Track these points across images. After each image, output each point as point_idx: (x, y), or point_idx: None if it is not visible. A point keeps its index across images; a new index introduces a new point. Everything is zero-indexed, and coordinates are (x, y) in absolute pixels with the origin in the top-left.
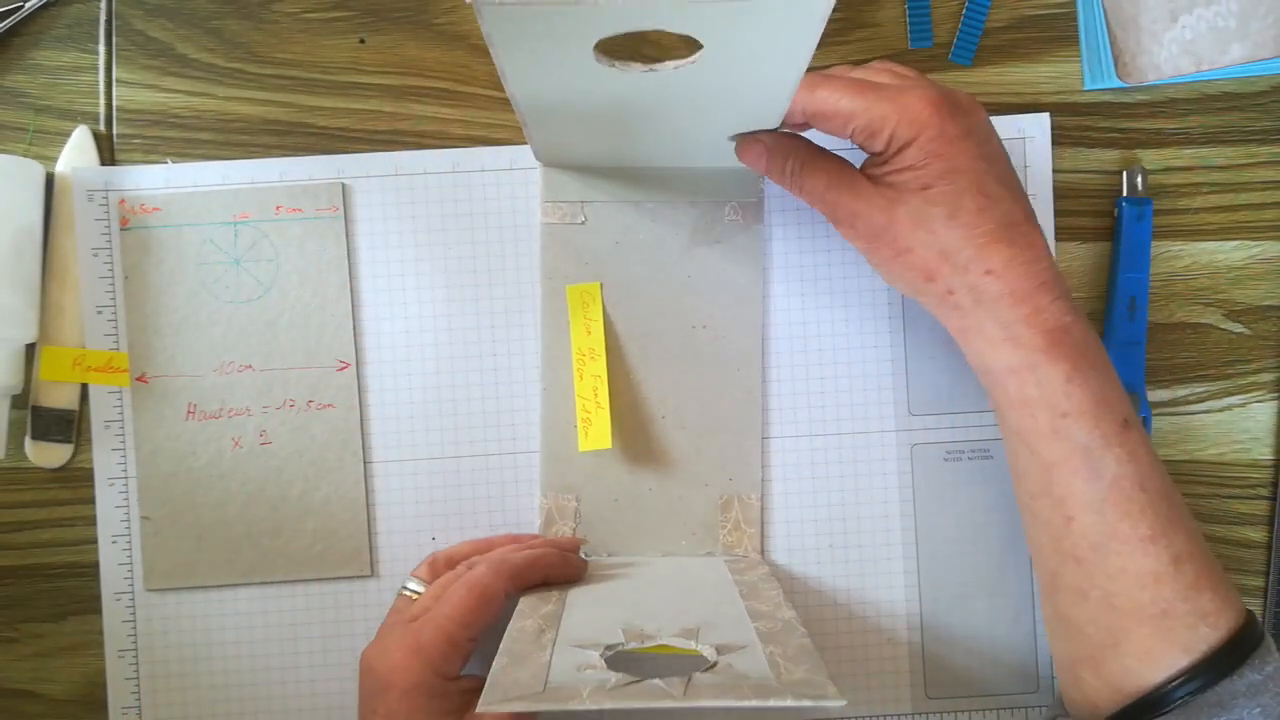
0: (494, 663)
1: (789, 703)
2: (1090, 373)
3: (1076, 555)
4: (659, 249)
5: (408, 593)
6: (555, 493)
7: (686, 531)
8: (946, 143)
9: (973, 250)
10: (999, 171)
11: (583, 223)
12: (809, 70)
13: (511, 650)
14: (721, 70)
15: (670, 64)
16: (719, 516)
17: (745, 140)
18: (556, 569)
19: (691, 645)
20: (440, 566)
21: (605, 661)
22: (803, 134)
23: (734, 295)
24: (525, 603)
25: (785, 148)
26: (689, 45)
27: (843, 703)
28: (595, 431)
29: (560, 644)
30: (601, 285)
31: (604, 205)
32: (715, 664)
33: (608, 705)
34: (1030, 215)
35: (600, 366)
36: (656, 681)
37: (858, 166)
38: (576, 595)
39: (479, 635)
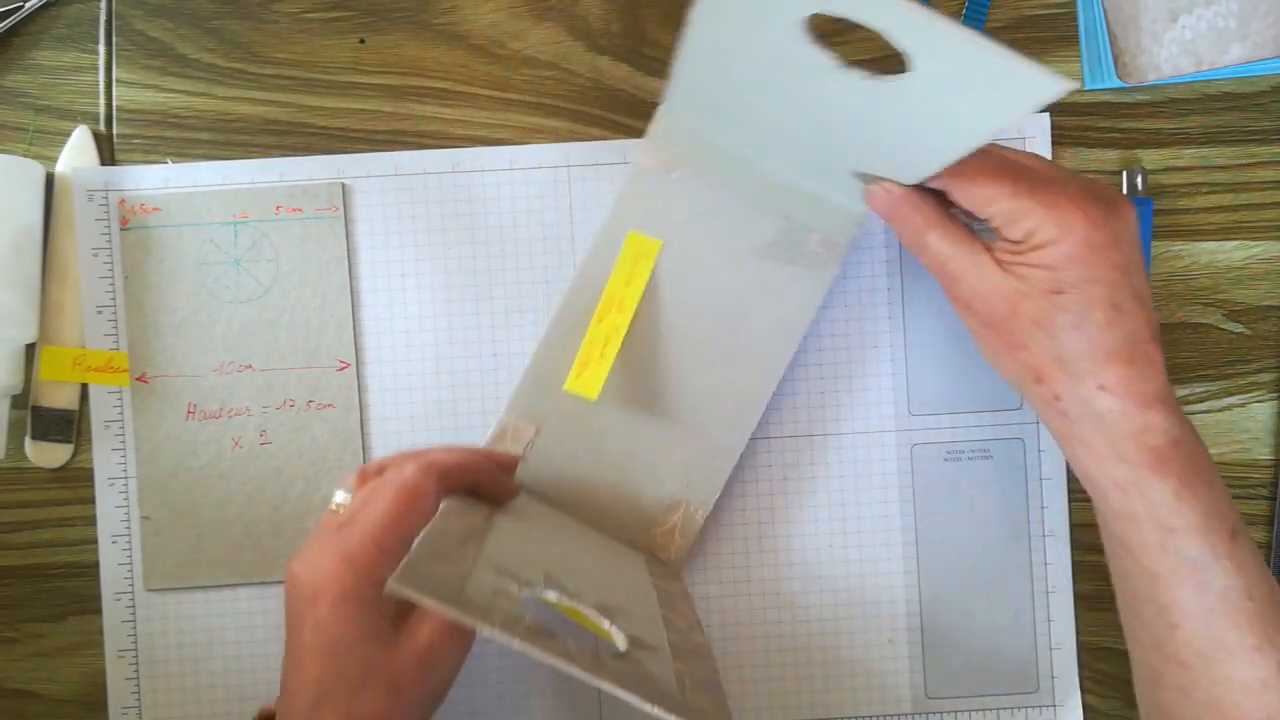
0: (414, 547)
1: None
2: (1199, 486)
3: (1180, 659)
4: (733, 241)
5: (334, 507)
6: (519, 416)
7: (624, 512)
8: (1090, 250)
9: (1090, 363)
10: (1135, 283)
11: (675, 179)
12: None
13: (433, 546)
14: (908, 104)
15: (866, 72)
16: (661, 515)
17: (876, 186)
18: (487, 481)
19: (606, 625)
20: (370, 475)
21: (521, 598)
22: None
23: (779, 321)
24: (451, 506)
25: (915, 203)
26: (891, 65)
27: None
28: (588, 377)
29: (482, 560)
30: (663, 246)
31: (702, 173)
32: (626, 654)
33: (515, 645)
34: (1155, 332)
35: (623, 320)
36: (569, 644)
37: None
38: (503, 521)
39: (410, 539)
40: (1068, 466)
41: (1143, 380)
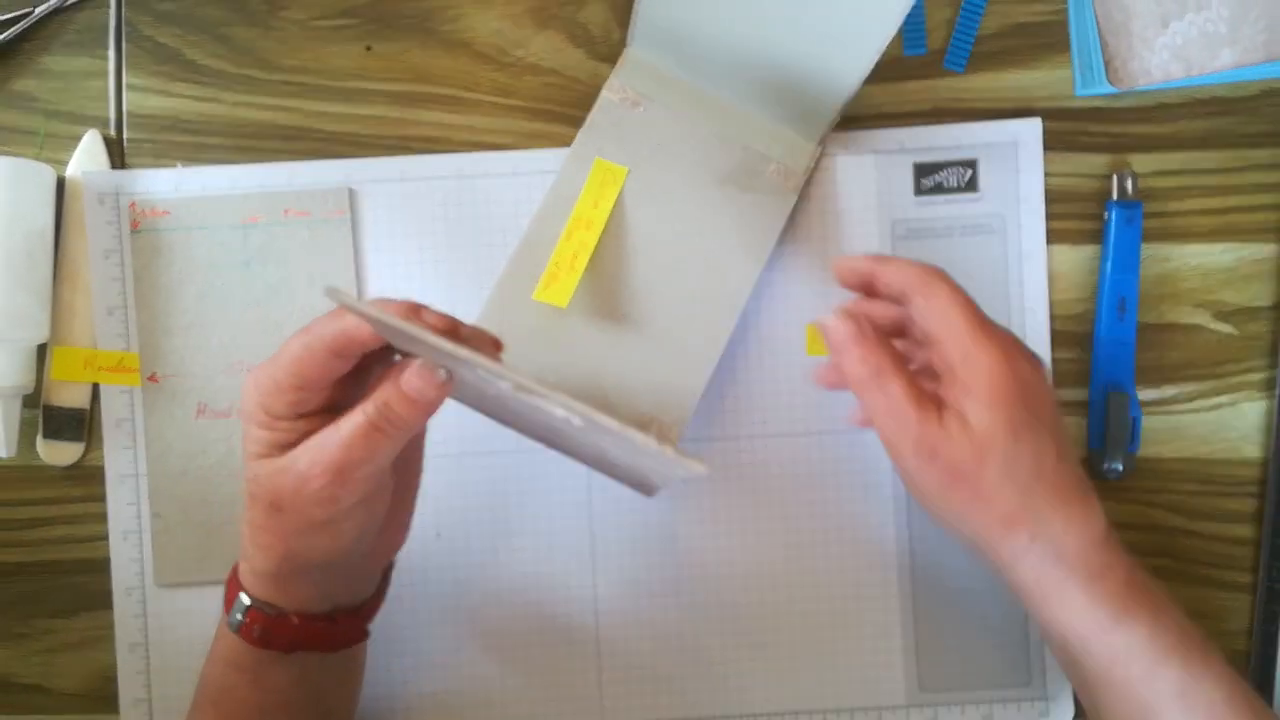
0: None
1: (651, 445)
2: (1167, 611)
3: None
4: (695, 169)
5: None
6: (490, 327)
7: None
8: (1035, 394)
9: (1050, 507)
10: (1063, 426)
11: (641, 111)
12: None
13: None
14: None
15: None
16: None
17: (832, 320)
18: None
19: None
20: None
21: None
22: None
23: (742, 245)
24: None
25: (875, 344)
26: None
27: (704, 471)
28: (558, 287)
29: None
30: (628, 173)
31: (666, 107)
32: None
33: (446, 347)
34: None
35: (591, 237)
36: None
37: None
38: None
39: (312, 384)
40: None
41: (1096, 517)
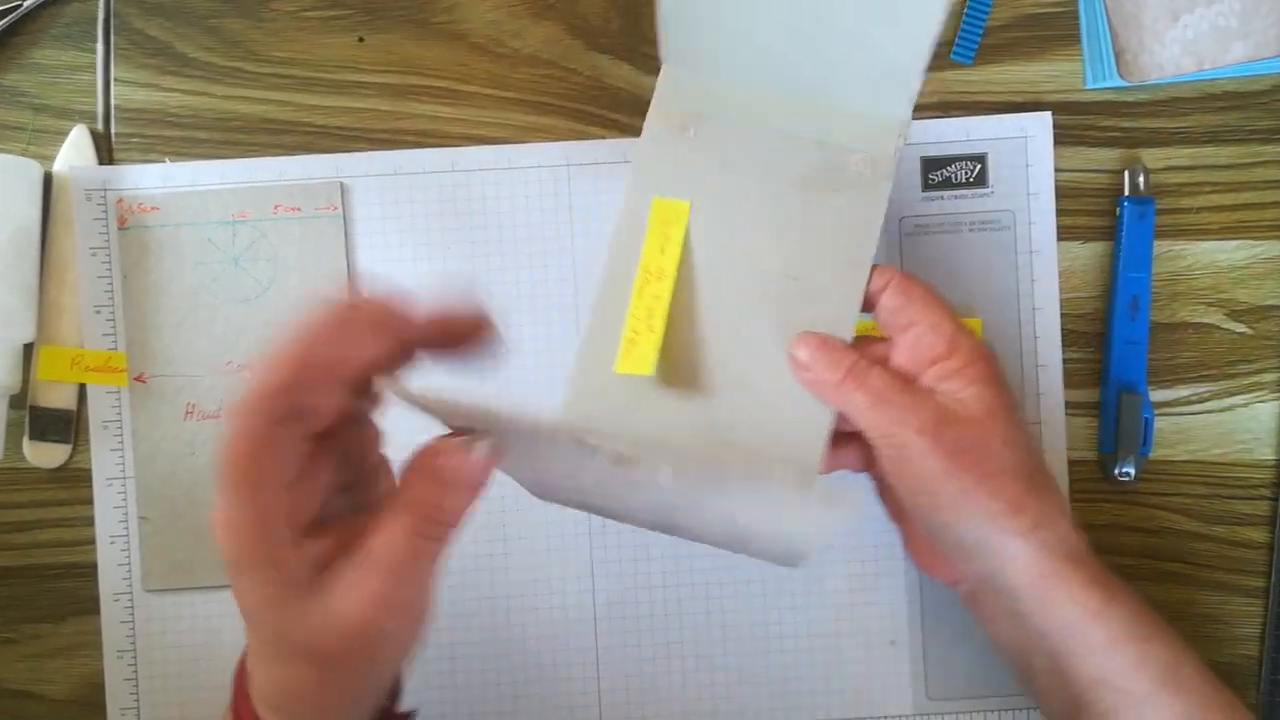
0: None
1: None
2: (1133, 594)
3: None
4: (766, 180)
5: None
6: (577, 418)
7: None
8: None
9: (1045, 488)
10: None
11: (691, 136)
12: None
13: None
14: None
15: None
16: None
17: (798, 341)
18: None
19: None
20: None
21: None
22: None
23: (841, 252)
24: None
25: (842, 346)
26: None
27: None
28: (638, 354)
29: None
30: (691, 207)
31: (719, 122)
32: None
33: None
34: None
35: (664, 289)
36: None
37: None
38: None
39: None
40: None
41: (1067, 504)
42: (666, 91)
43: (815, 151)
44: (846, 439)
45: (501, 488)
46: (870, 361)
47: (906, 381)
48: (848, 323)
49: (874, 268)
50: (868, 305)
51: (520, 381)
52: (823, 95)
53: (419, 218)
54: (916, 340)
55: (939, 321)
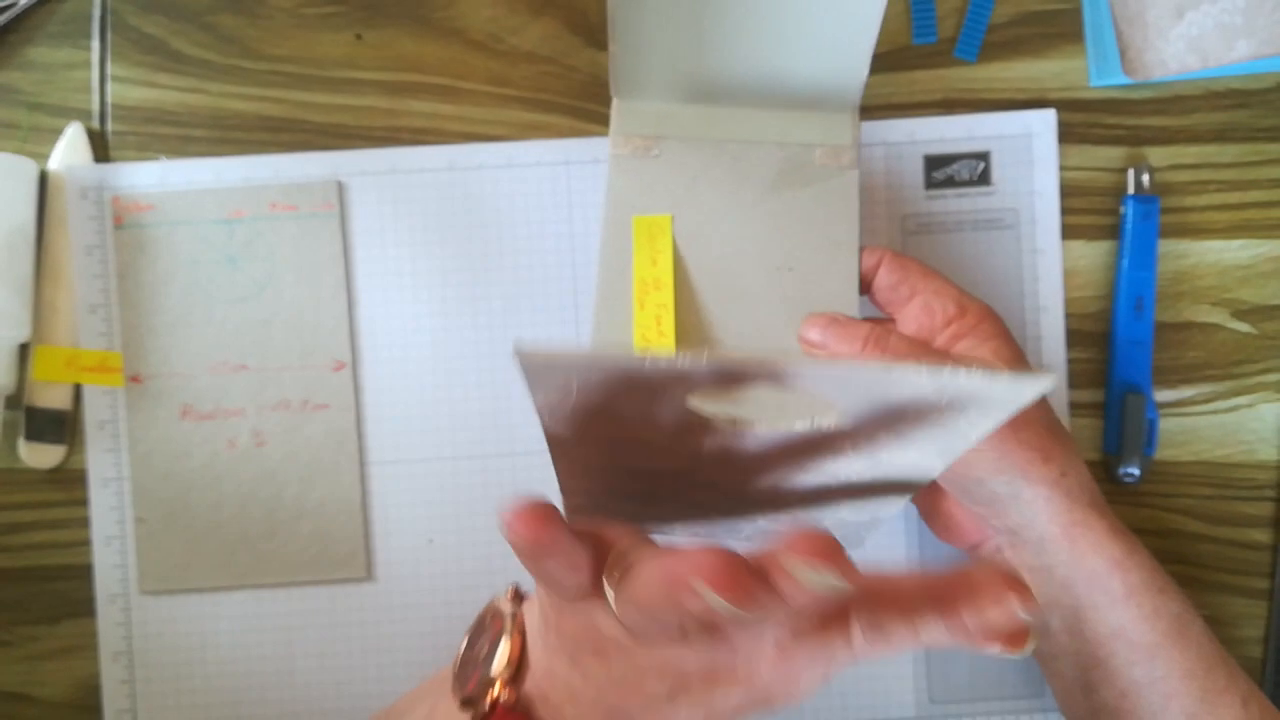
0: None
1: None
2: (1145, 548)
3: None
4: (741, 188)
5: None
6: None
7: None
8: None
9: (1067, 439)
10: None
11: (656, 156)
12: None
13: None
14: None
15: None
16: None
17: (808, 322)
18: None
19: None
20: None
21: None
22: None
23: (826, 239)
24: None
25: (851, 320)
26: None
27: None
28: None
29: None
30: (673, 219)
31: (681, 142)
32: None
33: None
34: None
35: (666, 296)
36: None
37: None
38: None
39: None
40: None
41: (1078, 450)
42: (623, 120)
43: (779, 152)
44: None
45: (500, 489)
46: (885, 330)
47: (923, 343)
48: (851, 299)
49: (863, 249)
50: (864, 286)
51: (519, 381)
52: (775, 99)
53: (417, 216)
54: (924, 307)
55: (942, 286)
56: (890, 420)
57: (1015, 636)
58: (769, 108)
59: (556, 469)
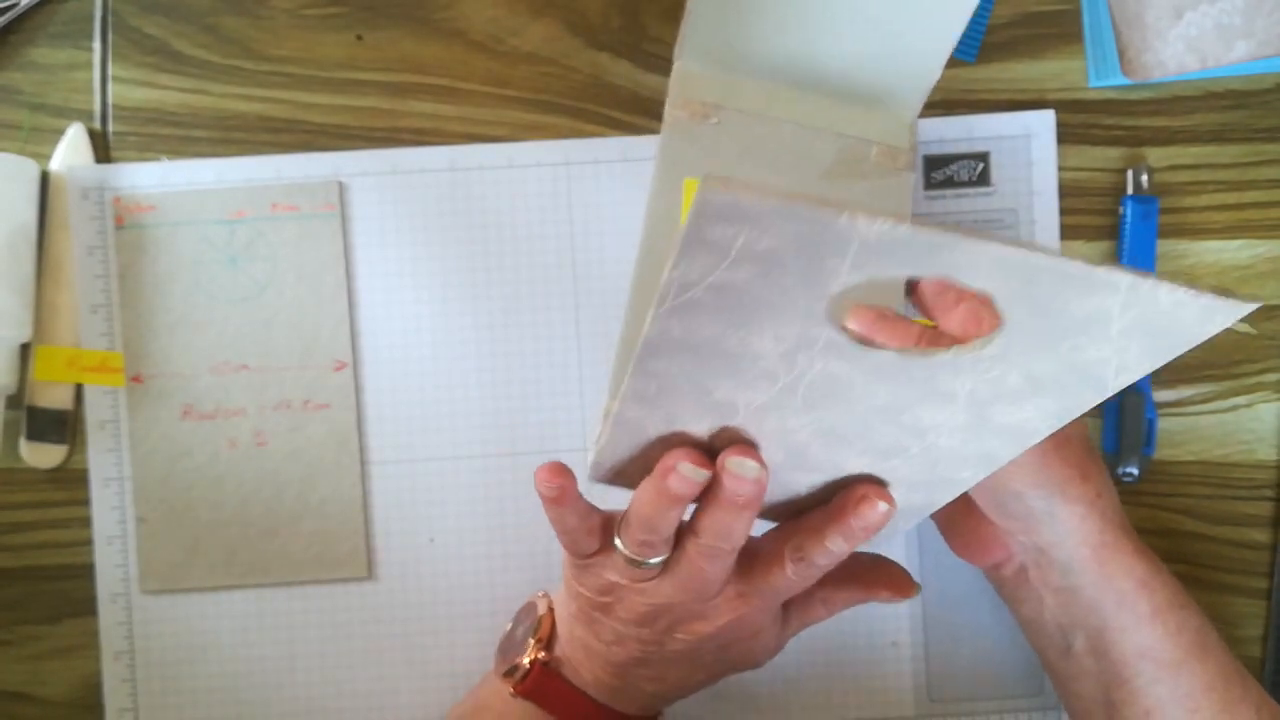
0: None
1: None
2: (1164, 565)
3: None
4: (792, 171)
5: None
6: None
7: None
8: None
9: (1100, 461)
10: None
11: (714, 124)
12: None
13: None
14: None
15: None
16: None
17: None
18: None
19: None
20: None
21: None
22: None
23: None
24: None
25: (911, 320)
26: None
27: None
28: None
29: None
30: None
31: (739, 114)
32: None
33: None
34: None
35: None
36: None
37: None
38: None
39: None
40: None
41: (1109, 472)
42: (685, 82)
43: (834, 142)
44: None
45: (500, 489)
46: (934, 333)
47: None
48: (896, 300)
49: None
50: (908, 289)
51: (520, 381)
52: (839, 88)
53: (418, 217)
54: (970, 313)
55: None
56: (1047, 340)
57: (902, 585)
58: (832, 95)
59: (628, 387)
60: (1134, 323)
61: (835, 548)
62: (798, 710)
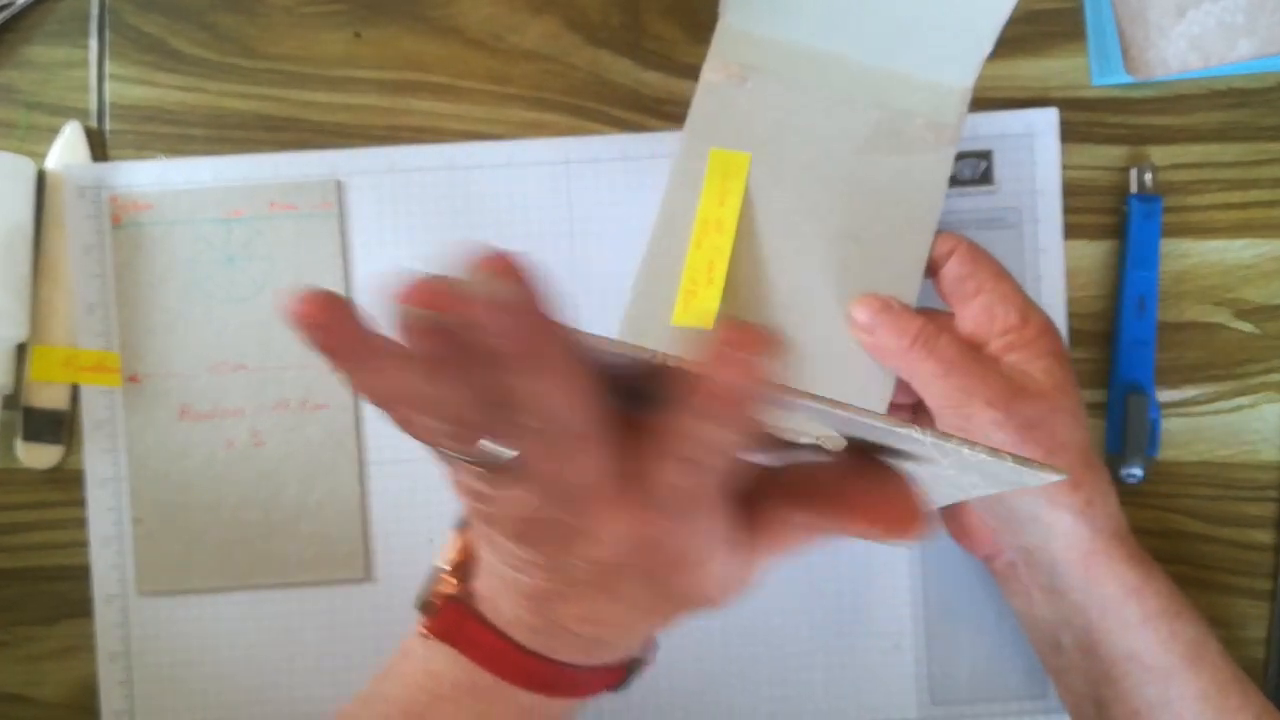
0: None
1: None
2: (1165, 572)
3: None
4: (827, 142)
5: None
6: None
7: None
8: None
9: (1100, 467)
10: None
11: (750, 88)
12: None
13: None
14: None
15: None
16: None
17: (858, 303)
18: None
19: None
20: None
21: None
22: None
23: (904, 215)
24: None
25: (908, 311)
26: None
27: (1063, 476)
28: (698, 306)
29: None
30: (751, 159)
31: (777, 78)
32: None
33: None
34: None
35: (725, 242)
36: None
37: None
38: None
39: None
40: None
41: (1110, 479)
42: (725, 42)
43: (876, 113)
44: (895, 410)
45: None
46: (939, 325)
47: (974, 350)
48: (912, 287)
49: (938, 234)
50: (930, 271)
51: None
52: (885, 59)
53: (416, 215)
54: (985, 309)
55: (1010, 291)
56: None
57: (905, 519)
58: (878, 64)
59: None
60: (957, 464)
61: (707, 435)
62: (798, 713)
